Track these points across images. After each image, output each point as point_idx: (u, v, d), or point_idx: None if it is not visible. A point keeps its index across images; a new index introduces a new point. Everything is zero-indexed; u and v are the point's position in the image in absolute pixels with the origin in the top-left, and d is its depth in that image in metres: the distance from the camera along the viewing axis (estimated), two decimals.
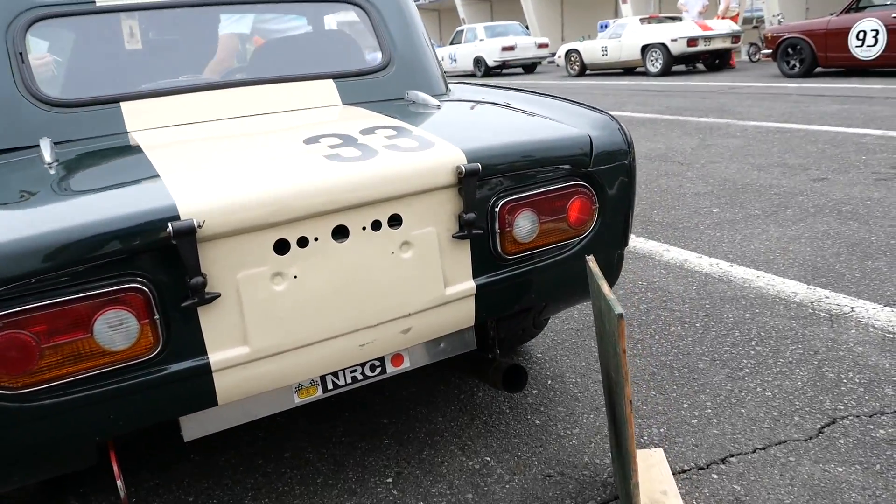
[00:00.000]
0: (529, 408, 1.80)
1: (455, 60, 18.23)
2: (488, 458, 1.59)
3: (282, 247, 1.07)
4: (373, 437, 1.71)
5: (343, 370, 1.26)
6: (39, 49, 1.56)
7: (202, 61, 1.93)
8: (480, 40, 17.37)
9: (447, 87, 1.91)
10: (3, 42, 1.47)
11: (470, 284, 1.29)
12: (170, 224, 0.95)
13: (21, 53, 1.47)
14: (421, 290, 1.22)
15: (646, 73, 12.64)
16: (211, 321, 1.03)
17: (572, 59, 14.46)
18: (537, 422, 1.73)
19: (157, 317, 0.99)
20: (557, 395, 1.86)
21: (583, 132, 1.43)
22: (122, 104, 1.52)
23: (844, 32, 8.59)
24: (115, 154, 1.31)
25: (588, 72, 14.23)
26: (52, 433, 0.98)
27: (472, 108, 1.67)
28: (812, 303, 2.28)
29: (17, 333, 0.90)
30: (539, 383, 1.92)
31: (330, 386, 1.28)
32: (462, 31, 18.36)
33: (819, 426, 1.60)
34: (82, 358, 0.95)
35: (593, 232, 1.44)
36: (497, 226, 1.28)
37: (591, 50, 13.83)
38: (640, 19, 13.27)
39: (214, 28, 2.02)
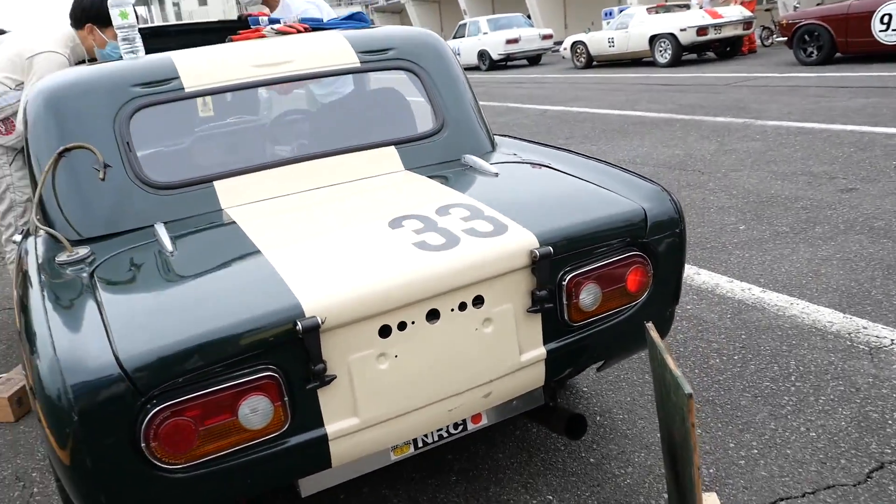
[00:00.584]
0: (582, 445, 1.90)
1: (459, 54, 18.20)
2: (550, 497, 1.70)
3: (385, 331, 1.24)
4: (441, 473, 1.83)
5: (432, 431, 1.43)
6: (139, 135, 1.66)
7: (278, 135, 2.08)
8: (484, 33, 17.33)
9: (493, 143, 2.01)
10: (111, 133, 1.60)
11: (541, 351, 1.45)
12: (298, 322, 1.13)
13: (128, 143, 1.60)
14: (500, 359, 1.38)
15: (654, 64, 12.61)
16: (327, 398, 1.21)
17: (578, 51, 14.43)
18: (591, 460, 1.83)
19: (285, 398, 1.17)
20: (608, 431, 1.95)
21: (637, 205, 1.54)
22: (215, 183, 1.64)
23: (867, 16, 8.48)
24: (222, 238, 1.46)
25: (595, 63, 14.19)
26: (204, 497, 1.17)
27: (526, 175, 1.77)
28: (850, 334, 2.35)
29: (181, 420, 1.08)
30: (589, 419, 2.01)
31: (420, 444, 1.46)
32: (465, 24, 18.32)
33: (867, 470, 1.68)
34: (228, 436, 1.14)
35: (649, 294, 1.56)
36: (564, 298, 1.43)
37: (597, 41, 13.80)
38: (648, 9, 13.20)
39: (284, 105, 2.16)
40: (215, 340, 1.10)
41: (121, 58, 1.87)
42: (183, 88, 1.70)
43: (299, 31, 2.35)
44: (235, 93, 2.08)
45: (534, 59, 17.52)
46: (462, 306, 1.30)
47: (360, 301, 1.19)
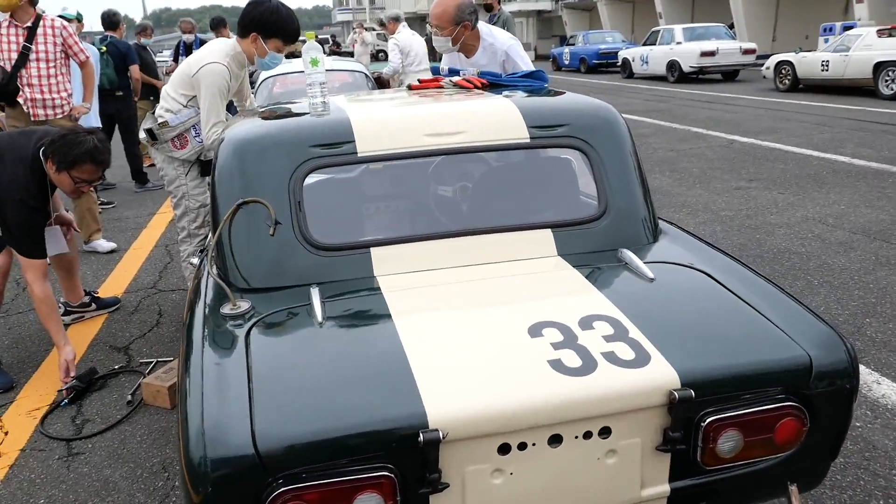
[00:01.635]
0: None
1: (647, 63, 17.39)
2: None
3: (504, 449, 1.25)
4: None
5: None
6: (310, 193, 1.77)
7: (438, 203, 2.13)
8: (677, 43, 16.36)
9: (656, 234, 1.88)
10: (287, 191, 1.71)
11: (665, 488, 1.37)
12: (421, 434, 1.17)
13: (300, 202, 1.71)
14: (618, 491, 1.33)
15: (875, 95, 11.07)
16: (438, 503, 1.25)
17: (783, 71, 13.09)
18: None
19: (398, 498, 1.20)
20: None
21: (803, 352, 1.38)
22: (372, 250, 1.70)
23: None
24: (368, 311, 1.53)
25: (801, 86, 12.77)
26: None
27: (684, 286, 1.63)
28: None
29: (300, 503, 1.17)
30: None
31: None
32: (658, 31, 17.42)
33: None
34: None
35: (799, 448, 1.40)
36: (700, 440, 1.33)
37: (808, 63, 12.40)
38: (878, 30, 11.59)
39: (448, 174, 2.22)
40: (344, 437, 1.17)
41: (274, 66, 2.20)
42: (356, 153, 1.78)
43: (475, 87, 2.40)
44: (418, 174, 2.17)
45: (730, 75, 16.23)
46: (587, 435, 1.27)
47: (486, 420, 1.21)
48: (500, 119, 1.89)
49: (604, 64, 21.46)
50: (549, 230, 1.77)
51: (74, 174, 2.73)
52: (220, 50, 2.87)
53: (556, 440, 1.26)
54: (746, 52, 15.86)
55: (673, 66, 16.36)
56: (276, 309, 1.55)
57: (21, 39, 4.37)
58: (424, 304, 1.56)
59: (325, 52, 2.71)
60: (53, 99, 4.51)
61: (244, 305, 1.55)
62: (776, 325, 1.45)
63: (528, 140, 1.85)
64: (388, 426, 1.18)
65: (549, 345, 1.35)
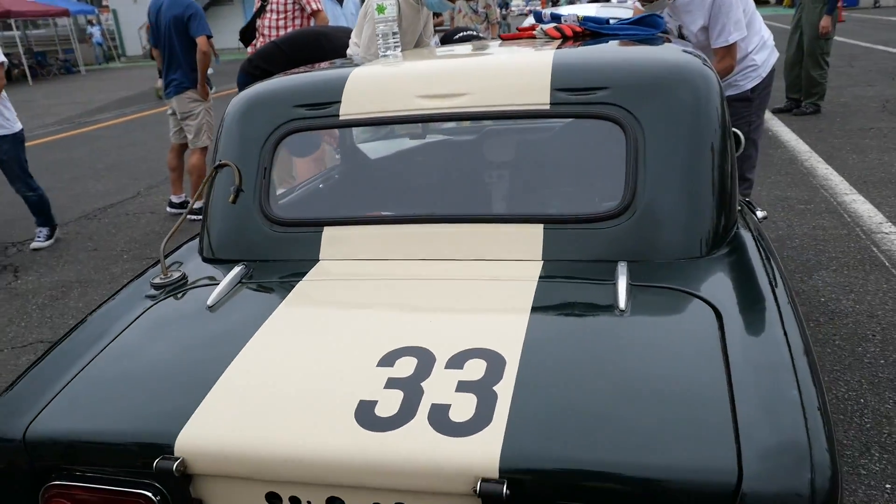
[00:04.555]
0: None
1: None
2: None
3: (274, 499, 1.04)
4: None
5: None
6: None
7: (419, 180, 1.85)
8: None
9: (715, 244, 1.36)
10: (258, 156, 1.54)
11: None
12: (156, 459, 1.03)
13: (266, 169, 1.53)
14: None
15: None
16: None
17: None
18: None
19: None
20: None
21: (732, 464, 0.88)
22: (325, 230, 1.49)
23: None
24: (256, 305, 1.36)
25: None
26: None
27: (657, 331, 1.15)
28: None
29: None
30: None
31: None
32: None
33: None
34: None
35: None
36: None
37: None
38: None
39: (445, 146, 1.94)
40: (101, 443, 1.09)
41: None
42: (338, 115, 1.55)
43: (566, 36, 1.98)
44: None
45: None
46: None
47: (236, 460, 1.01)
48: (518, 79, 1.51)
49: None
50: (540, 226, 1.38)
51: None
52: None
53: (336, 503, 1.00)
54: None
55: None
56: (197, 285, 1.44)
57: None
58: (323, 301, 1.35)
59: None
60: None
61: (174, 276, 1.46)
62: (737, 414, 0.94)
63: (548, 106, 1.44)
64: (138, 441, 1.07)
65: (386, 380, 1.06)
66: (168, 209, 4.97)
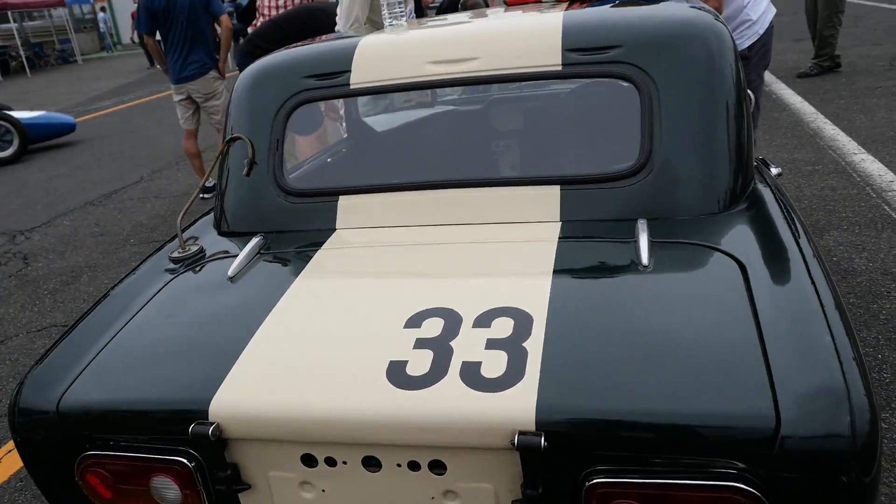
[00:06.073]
0: None
1: None
2: None
3: (310, 461, 1.05)
4: None
5: None
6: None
7: (433, 145, 1.83)
8: None
9: (733, 199, 1.35)
10: (270, 128, 1.54)
11: None
12: (192, 425, 1.04)
13: (279, 140, 1.53)
14: None
15: None
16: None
17: None
18: None
19: (199, 489, 1.09)
20: None
21: (769, 409, 0.88)
22: (340, 199, 1.48)
23: None
24: (276, 276, 1.36)
25: None
26: None
27: (681, 284, 1.14)
28: None
29: None
30: None
31: None
32: None
33: None
34: None
35: None
36: None
37: None
38: None
39: (457, 112, 1.91)
40: (136, 412, 1.10)
41: None
42: (349, 84, 1.54)
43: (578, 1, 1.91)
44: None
45: None
46: (413, 465, 0.99)
47: (267, 422, 1.01)
48: (529, 41, 1.50)
49: None
50: (557, 187, 1.38)
51: None
52: None
53: (373, 463, 1.00)
54: None
55: None
56: (216, 258, 1.45)
57: None
58: (342, 268, 1.35)
59: None
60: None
61: (192, 250, 1.47)
62: (770, 361, 0.93)
63: (560, 67, 1.44)
64: (172, 408, 1.07)
65: (414, 341, 1.06)
66: (202, 196, 4.72)
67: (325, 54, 1.63)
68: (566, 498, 0.94)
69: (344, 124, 2.25)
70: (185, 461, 1.06)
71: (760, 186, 1.46)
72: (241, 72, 1.76)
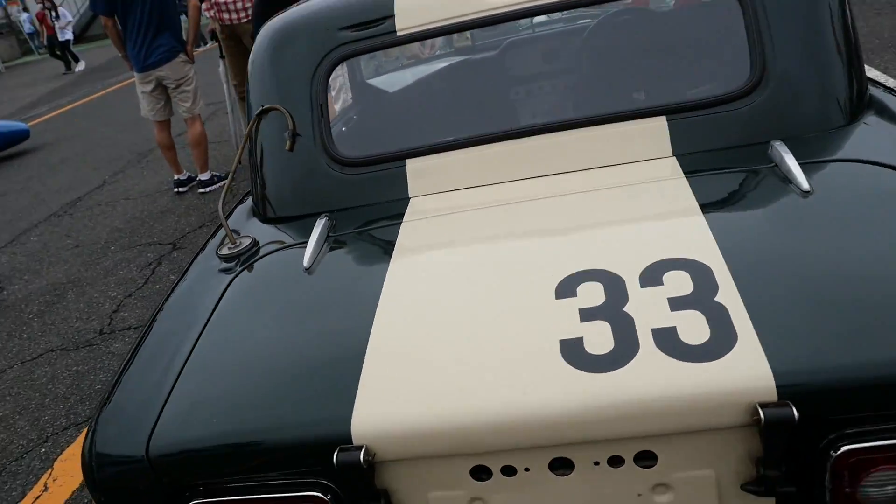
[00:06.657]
0: None
1: None
2: None
3: (481, 473, 0.87)
4: None
5: None
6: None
7: (509, 87, 1.59)
8: None
9: (856, 109, 1.22)
10: (309, 92, 1.32)
11: None
12: (336, 452, 0.85)
13: (322, 105, 1.31)
14: None
15: None
16: None
17: None
18: None
19: None
20: None
21: None
22: (408, 162, 1.29)
23: None
24: (364, 261, 1.17)
25: None
26: None
27: (860, 210, 0.99)
28: None
29: None
30: None
31: None
32: None
33: None
34: None
35: None
36: (829, 481, 0.81)
37: None
38: None
39: (526, 47, 1.66)
40: (252, 447, 0.89)
41: None
42: (395, 31, 1.32)
43: None
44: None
45: None
46: (615, 461, 0.83)
47: (431, 437, 0.82)
48: None
49: None
50: (663, 118, 1.22)
51: None
52: None
53: (563, 465, 0.84)
54: None
55: None
56: (275, 249, 1.24)
57: None
58: (441, 242, 1.15)
59: None
60: (235, 2, 4.15)
61: (244, 243, 1.26)
62: None
63: None
64: (304, 435, 0.88)
65: (577, 312, 0.88)
66: (177, 190, 4.47)
67: (361, 1, 1.40)
68: (807, 473, 0.79)
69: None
70: (319, 495, 0.87)
71: (874, 91, 1.33)
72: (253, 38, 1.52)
